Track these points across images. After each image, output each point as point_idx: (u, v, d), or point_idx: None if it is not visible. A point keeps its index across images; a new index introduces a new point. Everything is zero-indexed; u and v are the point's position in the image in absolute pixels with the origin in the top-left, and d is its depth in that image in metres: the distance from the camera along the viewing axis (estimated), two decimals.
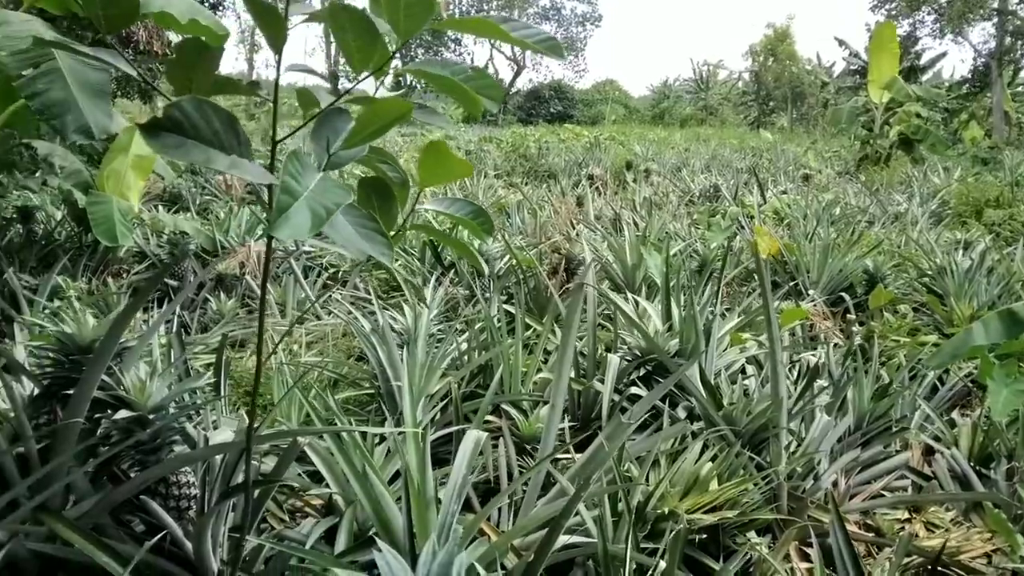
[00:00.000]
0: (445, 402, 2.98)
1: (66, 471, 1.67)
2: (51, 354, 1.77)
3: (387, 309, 3.85)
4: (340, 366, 3.47)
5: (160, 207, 6.81)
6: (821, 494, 2.37)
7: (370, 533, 2.08)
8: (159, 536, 1.63)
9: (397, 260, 5.25)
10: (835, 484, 2.49)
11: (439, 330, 3.58)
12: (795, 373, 2.96)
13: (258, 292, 4.59)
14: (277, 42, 1.09)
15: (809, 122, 31.22)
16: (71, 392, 1.72)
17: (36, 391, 1.87)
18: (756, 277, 4.82)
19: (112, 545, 1.55)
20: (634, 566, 1.65)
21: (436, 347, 3.23)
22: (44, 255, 4.78)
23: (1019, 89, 30.78)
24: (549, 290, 4.30)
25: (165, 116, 0.96)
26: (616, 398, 2.54)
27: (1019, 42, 26.81)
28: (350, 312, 3.61)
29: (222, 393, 2.59)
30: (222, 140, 1.02)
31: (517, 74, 41.70)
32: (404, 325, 3.30)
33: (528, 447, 2.53)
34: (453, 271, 4.68)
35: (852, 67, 31.36)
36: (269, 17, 1.05)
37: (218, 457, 1.96)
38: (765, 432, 2.33)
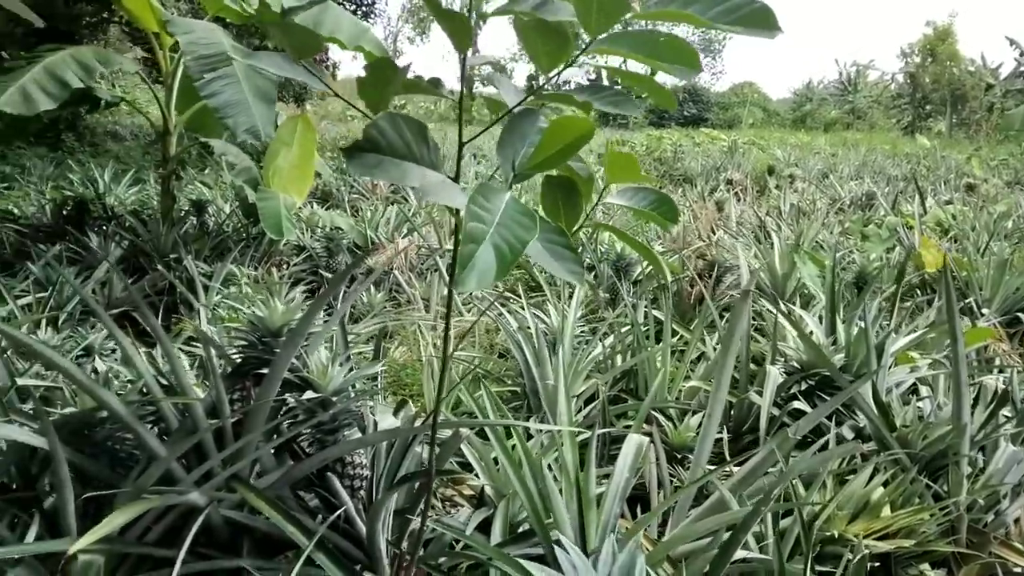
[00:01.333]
0: (591, 406, 2.98)
1: (255, 446, 1.81)
2: (244, 335, 1.92)
3: (527, 308, 3.89)
4: (486, 362, 3.54)
5: (314, 204, 7.25)
6: (1004, 529, 2.17)
7: (522, 528, 2.11)
8: (336, 514, 1.72)
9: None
10: (1017, 521, 2.28)
11: (581, 332, 3.58)
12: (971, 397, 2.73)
13: (405, 287, 4.77)
14: (462, 44, 1.11)
15: (971, 127, 28.73)
16: (262, 371, 1.86)
17: (228, 369, 2.03)
18: (922, 292, 4.49)
19: (296, 516, 1.66)
20: None
21: (580, 348, 3.23)
22: (215, 245, 5.21)
23: None
24: (692, 296, 4.21)
25: (364, 137, 1.01)
26: (775, 412, 2.44)
27: None
28: (496, 310, 3.69)
29: (379, 382, 2.72)
30: (414, 151, 1.06)
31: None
32: (548, 325, 3.33)
33: (678, 455, 2.48)
34: (593, 274, 4.67)
35: (1022, 68, 28.63)
36: (455, 21, 1.07)
37: (384, 444, 2.07)
38: (943, 459, 2.15)
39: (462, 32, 1.09)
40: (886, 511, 1.97)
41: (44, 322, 3.27)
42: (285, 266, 4.95)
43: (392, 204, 7.74)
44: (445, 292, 4.79)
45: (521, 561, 1.39)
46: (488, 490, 2.26)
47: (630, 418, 3.11)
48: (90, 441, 1.70)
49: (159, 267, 4.21)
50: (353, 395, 1.85)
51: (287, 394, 1.82)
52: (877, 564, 1.91)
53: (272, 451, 1.91)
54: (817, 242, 5.53)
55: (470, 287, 0.85)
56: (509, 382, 3.41)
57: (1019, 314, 4.19)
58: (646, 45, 1.09)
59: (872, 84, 38.46)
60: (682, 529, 1.78)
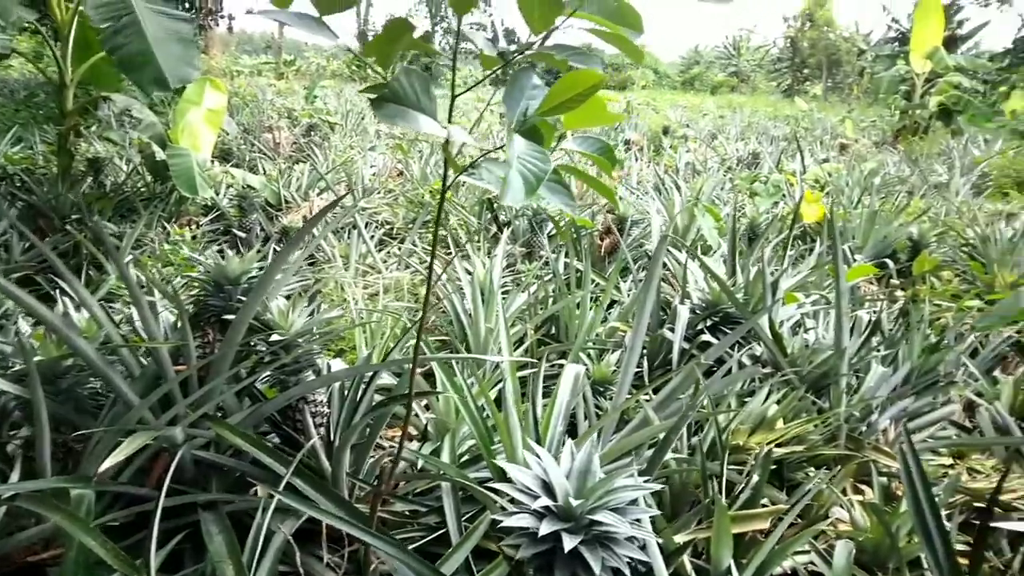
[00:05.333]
0: (519, 349, 3.21)
1: (219, 390, 1.91)
2: (203, 284, 2.00)
3: (448, 263, 4.04)
4: (414, 312, 3.69)
5: (215, 162, 7.04)
6: (875, 436, 2.56)
7: (465, 458, 2.32)
8: (309, 444, 1.86)
9: (452, 217, 5.46)
10: (885, 430, 2.69)
11: (504, 283, 3.79)
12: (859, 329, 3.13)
13: (322, 245, 4.81)
14: (464, 6, 1.24)
15: (844, 91, 30.68)
16: (225, 318, 1.95)
17: (178, 321, 2.10)
18: (803, 242, 4.96)
19: (271, 448, 1.78)
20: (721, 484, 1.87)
21: (504, 298, 3.44)
22: (118, 204, 5.03)
23: None
24: (603, 248, 4.49)
25: (390, 89, 1.15)
26: (686, 346, 2.74)
27: None
28: (425, 264, 3.83)
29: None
30: (421, 101, 1.21)
31: (546, 36, 41.15)
32: (474, 276, 3.52)
33: (600, 388, 2.74)
34: (509, 229, 4.87)
35: (891, 34, 30.64)
36: None
37: (336, 385, 2.21)
38: (826, 379, 2.52)
39: None
40: (780, 424, 2.30)
41: None
42: (195, 226, 4.87)
43: (297, 163, 7.63)
44: (364, 249, 4.86)
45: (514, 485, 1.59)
46: (430, 428, 2.45)
47: (551, 359, 3.37)
48: (56, 389, 1.75)
49: (69, 228, 4.07)
50: (316, 337, 1.97)
51: (253, 337, 1.93)
52: (773, 468, 2.24)
53: (234, 394, 2.02)
54: (712, 198, 5.95)
55: (508, 202, 1.05)
56: (438, 332, 3.58)
57: (887, 259, 4.73)
58: (605, 9, 1.27)
59: (755, 49, 40.20)
60: (612, 445, 2.03)
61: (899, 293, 4.09)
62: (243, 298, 1.97)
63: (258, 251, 2.13)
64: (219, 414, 1.99)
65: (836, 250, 2.46)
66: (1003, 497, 2.45)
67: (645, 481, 1.42)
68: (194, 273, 2.25)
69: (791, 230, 3.65)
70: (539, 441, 1.85)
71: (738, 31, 40.16)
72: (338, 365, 2.28)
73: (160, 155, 4.62)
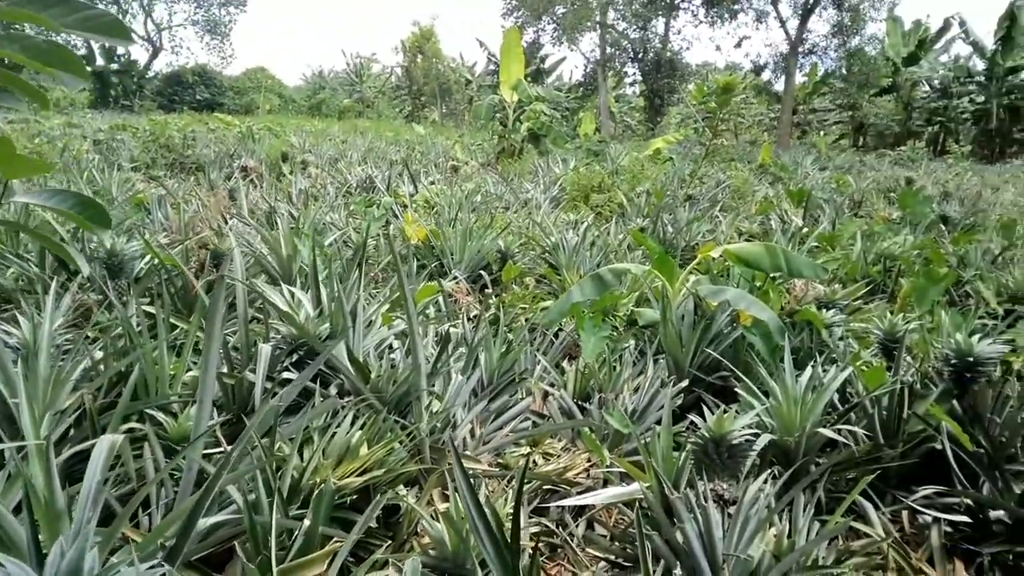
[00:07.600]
0: (78, 417, 2.75)
1: None
2: None
3: None
4: None
5: None
6: (459, 443, 2.72)
7: None
8: None
9: (9, 268, 4.55)
10: (472, 433, 2.88)
11: (67, 340, 3.24)
12: (440, 343, 3.31)
13: None
14: None
15: (457, 117, 33.56)
16: None
17: None
18: (404, 261, 5.18)
19: None
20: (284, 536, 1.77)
21: (63, 359, 2.93)
22: None
23: (621, 91, 36.69)
24: (196, 288, 4.13)
25: None
26: (269, 385, 2.61)
27: (617, 52, 32.11)
28: None
29: None
30: None
31: (153, 56, 37.78)
32: (20, 339, 2.94)
33: (179, 448, 2.47)
34: (80, 276, 4.21)
35: (491, 67, 34.39)
36: None
37: None
38: (409, 396, 2.59)
39: None
40: (363, 450, 2.30)
41: None
42: None
43: None
44: None
45: None
46: None
47: (125, 422, 2.95)
48: None
49: None
50: None
51: None
52: (357, 496, 2.22)
53: None
54: (325, 223, 5.92)
55: None
56: None
57: (481, 271, 5.17)
58: (34, 50, 1.09)
59: (376, 76, 41.89)
60: (171, 515, 1.81)
61: (491, 301, 4.48)
62: None
63: None
64: None
65: (400, 273, 2.56)
66: (568, 474, 2.80)
67: (168, 559, 1.25)
68: None
69: (361, 254, 3.74)
70: (38, 545, 1.55)
71: (356, 57, 41.33)
72: None
73: None
